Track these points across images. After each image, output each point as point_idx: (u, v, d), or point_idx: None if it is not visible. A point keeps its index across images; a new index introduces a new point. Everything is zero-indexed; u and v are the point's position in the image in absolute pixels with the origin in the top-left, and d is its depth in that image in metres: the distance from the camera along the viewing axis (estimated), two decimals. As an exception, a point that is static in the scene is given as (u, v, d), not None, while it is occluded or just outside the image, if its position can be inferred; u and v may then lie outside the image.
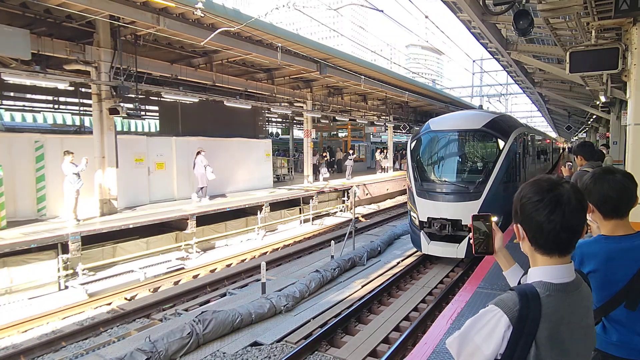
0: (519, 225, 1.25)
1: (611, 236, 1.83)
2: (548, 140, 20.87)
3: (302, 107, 18.30)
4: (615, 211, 1.81)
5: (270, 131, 34.37)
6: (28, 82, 9.39)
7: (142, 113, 18.84)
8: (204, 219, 11.20)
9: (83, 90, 14.61)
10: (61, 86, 10.84)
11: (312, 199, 15.41)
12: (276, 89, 16.48)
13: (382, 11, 8.91)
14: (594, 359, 1.82)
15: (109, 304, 7.70)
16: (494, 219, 1.48)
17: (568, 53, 5.94)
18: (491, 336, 1.11)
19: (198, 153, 12.68)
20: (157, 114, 20.96)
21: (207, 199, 12.73)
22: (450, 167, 8.99)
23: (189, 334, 5.44)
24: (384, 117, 24.92)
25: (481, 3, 7.62)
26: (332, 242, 9.81)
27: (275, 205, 13.93)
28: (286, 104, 18.55)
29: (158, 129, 22.58)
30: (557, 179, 1.23)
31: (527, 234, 1.22)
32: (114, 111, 10.16)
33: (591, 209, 1.85)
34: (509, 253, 1.53)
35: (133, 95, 10.86)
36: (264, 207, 13.01)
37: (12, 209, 9.39)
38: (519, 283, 1.42)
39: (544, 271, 1.19)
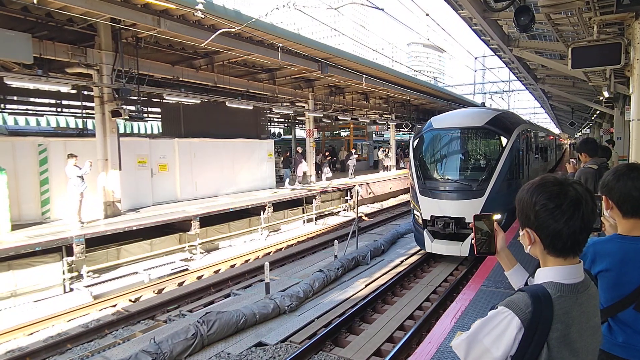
0: (529, 230, 1.22)
1: (628, 236, 1.76)
2: (551, 137, 20.78)
3: (304, 106, 18.30)
4: (636, 211, 1.73)
5: (272, 131, 34.35)
6: (31, 85, 9.39)
7: (144, 115, 18.79)
8: (207, 220, 11.23)
9: (85, 93, 14.67)
10: (64, 89, 10.90)
11: (315, 199, 15.42)
12: (278, 89, 16.49)
13: (382, 9, 8.89)
14: (598, 359, 1.81)
15: (114, 305, 7.73)
16: (497, 217, 1.46)
17: (570, 49, 5.91)
18: (501, 338, 1.10)
19: (299, 152, 17.42)
20: (159, 116, 20.95)
21: (299, 185, 16.97)
22: (453, 165, 8.95)
23: (193, 335, 5.45)
24: (386, 116, 24.88)
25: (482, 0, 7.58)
26: (336, 241, 9.80)
27: (278, 206, 13.94)
28: (288, 104, 18.55)
29: (160, 131, 22.62)
30: (562, 178, 1.21)
31: (542, 240, 1.20)
32: (116, 113, 10.20)
33: (610, 205, 1.79)
34: (511, 253, 1.52)
35: (135, 98, 10.89)
36: (267, 207, 13.03)
37: (16, 212, 9.43)
38: (526, 284, 1.40)
39: (555, 272, 1.18)
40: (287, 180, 17.26)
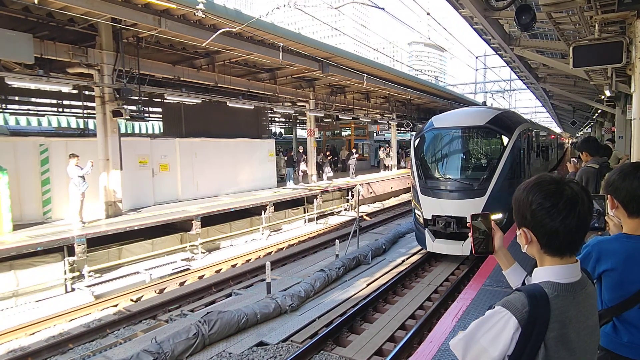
0: (526, 230, 1.22)
1: (634, 235, 1.76)
2: (553, 136, 20.73)
3: (305, 106, 18.29)
4: None
5: (273, 131, 34.36)
6: (32, 85, 9.44)
7: (145, 115, 18.90)
8: (208, 220, 11.23)
9: (86, 93, 14.69)
10: (65, 89, 10.91)
11: (316, 199, 15.41)
12: (279, 89, 16.48)
13: (383, 9, 8.87)
14: (603, 358, 1.80)
15: (115, 305, 7.74)
16: (497, 216, 1.46)
17: (571, 48, 5.90)
18: (499, 338, 1.09)
19: (299, 152, 18.14)
20: (160, 116, 20.98)
21: (301, 184, 17.46)
22: (454, 164, 8.95)
23: (194, 334, 5.45)
24: (387, 115, 24.87)
25: (483, -1, 7.56)
26: (337, 241, 9.79)
27: (280, 205, 13.94)
28: (289, 104, 18.55)
29: (161, 131, 22.64)
30: (559, 178, 1.21)
31: (539, 239, 1.19)
32: (117, 113, 10.20)
33: (615, 204, 1.79)
34: (510, 252, 1.51)
35: (136, 97, 10.88)
36: (268, 207, 13.03)
37: (18, 212, 9.45)
38: (523, 284, 1.40)
39: (552, 271, 1.18)
40: (292, 179, 17.32)
